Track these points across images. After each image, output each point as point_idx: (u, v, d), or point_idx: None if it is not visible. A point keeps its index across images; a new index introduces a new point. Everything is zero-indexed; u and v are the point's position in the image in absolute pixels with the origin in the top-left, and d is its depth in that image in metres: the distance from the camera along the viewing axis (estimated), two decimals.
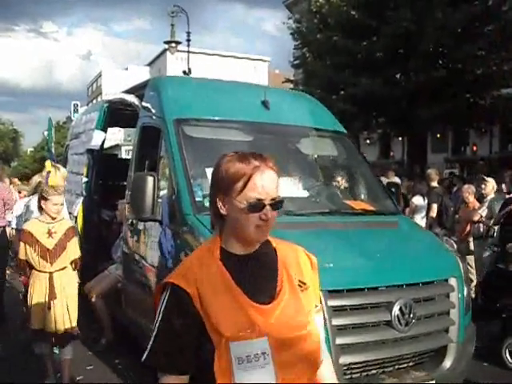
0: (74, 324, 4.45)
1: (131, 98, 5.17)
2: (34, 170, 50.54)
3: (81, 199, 6.15)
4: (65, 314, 4.36)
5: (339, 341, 3.27)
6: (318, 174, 4.85)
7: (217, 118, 4.51)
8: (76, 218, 6.05)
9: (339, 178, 4.79)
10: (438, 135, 22.20)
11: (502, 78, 18.42)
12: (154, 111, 4.73)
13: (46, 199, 4.34)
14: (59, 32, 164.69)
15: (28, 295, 4.39)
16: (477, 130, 20.45)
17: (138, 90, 5.37)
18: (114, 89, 8.09)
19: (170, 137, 4.25)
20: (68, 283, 4.44)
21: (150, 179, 3.98)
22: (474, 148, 20.83)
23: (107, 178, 6.89)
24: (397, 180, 9.91)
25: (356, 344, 3.36)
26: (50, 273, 4.33)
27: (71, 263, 4.47)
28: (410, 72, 20.21)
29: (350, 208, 4.39)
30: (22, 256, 4.37)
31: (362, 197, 4.78)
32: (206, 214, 3.83)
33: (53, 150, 8.40)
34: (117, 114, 6.41)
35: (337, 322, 3.28)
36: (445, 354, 3.70)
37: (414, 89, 19.05)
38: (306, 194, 4.45)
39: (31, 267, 4.35)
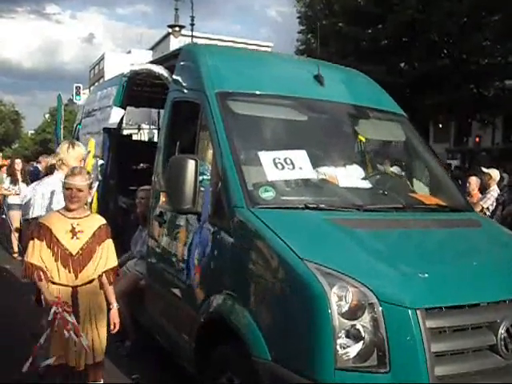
0: (102, 357, 3.35)
1: (159, 70, 4.29)
2: (34, 152, 49.19)
3: (96, 184, 5.25)
4: (94, 344, 3.25)
5: (439, 371, 2.49)
6: (379, 162, 4.03)
7: (266, 93, 3.66)
8: (90, 205, 5.18)
9: (403, 167, 3.98)
10: (441, 125, 21.48)
11: (507, 69, 17.68)
12: (189, 84, 3.87)
13: (64, 184, 3.27)
14: (62, 14, 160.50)
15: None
16: (480, 121, 19.70)
17: (166, 61, 4.49)
18: (116, 72, 7.36)
19: (213, 113, 3.39)
20: (96, 302, 3.30)
21: (191, 163, 3.13)
22: (477, 139, 20.08)
23: (122, 161, 6.02)
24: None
25: (457, 375, 2.58)
26: (74, 287, 3.19)
27: (104, 274, 3.29)
28: (414, 61, 19.48)
29: (421, 203, 3.57)
30: (33, 259, 3.11)
31: (429, 189, 3.96)
32: (262, 207, 3.02)
33: (61, 130, 7.53)
34: (131, 91, 5.53)
35: (436, 347, 2.50)
36: None
37: (418, 77, 18.31)
38: (368, 184, 3.63)
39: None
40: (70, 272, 3.19)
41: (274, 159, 3.22)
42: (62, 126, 6.12)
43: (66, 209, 3.28)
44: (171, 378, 4.26)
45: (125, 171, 5.87)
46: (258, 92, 3.64)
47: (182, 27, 23.82)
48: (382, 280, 2.58)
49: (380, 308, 2.48)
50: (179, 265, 3.61)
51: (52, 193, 3.86)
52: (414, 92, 18.47)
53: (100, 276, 3.30)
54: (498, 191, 7.36)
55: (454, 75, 17.79)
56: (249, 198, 3.03)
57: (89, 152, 3.98)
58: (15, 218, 8.66)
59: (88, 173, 3.49)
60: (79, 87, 27.26)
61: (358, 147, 3.92)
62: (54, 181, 3.98)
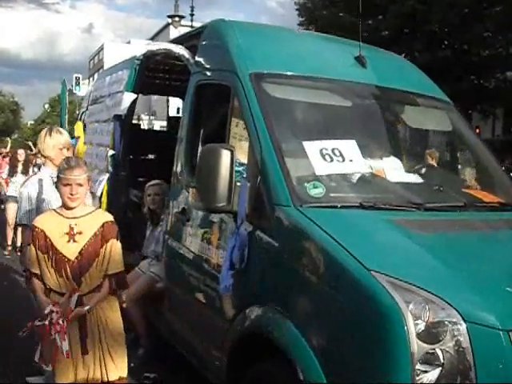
0: (124, 373, 2.80)
1: (180, 50, 3.76)
2: (34, 143, 48.14)
3: (106, 176, 4.72)
4: (106, 360, 2.72)
5: None
6: (427, 153, 3.54)
7: (305, 75, 3.15)
8: (100, 198, 4.66)
9: (453, 159, 3.50)
10: None
11: (508, 60, 17.21)
12: (216, 65, 3.35)
13: (60, 179, 2.69)
14: (61, 4, 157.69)
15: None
16: (480, 113, 19.25)
17: (186, 41, 3.95)
18: (115, 62, 6.90)
19: (248, 97, 2.88)
20: (107, 310, 2.78)
21: (225, 154, 2.61)
22: (477, 130, 19.62)
23: (133, 151, 5.49)
24: None
25: None
26: (79, 296, 2.66)
27: (107, 278, 2.76)
28: (415, 52, 18.98)
29: (481, 200, 3.09)
30: (34, 268, 2.68)
31: (482, 184, 3.48)
32: (311, 205, 2.53)
33: (66, 116, 6.97)
34: (143, 76, 4.98)
35: None
36: None
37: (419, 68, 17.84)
38: (419, 178, 3.14)
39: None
40: (68, 279, 2.66)
41: (321, 150, 2.72)
42: (66, 112, 5.57)
43: (65, 207, 2.73)
44: None
45: (135, 162, 5.34)
46: (296, 74, 3.12)
47: (181, 17, 23.18)
48: (465, 295, 2.10)
49: (465, 329, 2.00)
50: (209, 269, 3.11)
51: (40, 193, 3.19)
52: None
53: (102, 281, 2.76)
54: None
55: (454, 66, 17.32)
56: (295, 195, 2.53)
57: (78, 137, 3.33)
58: (11, 211, 8.18)
59: (85, 163, 2.92)
60: (79, 77, 26.60)
61: (405, 137, 3.42)
62: (41, 179, 3.27)
